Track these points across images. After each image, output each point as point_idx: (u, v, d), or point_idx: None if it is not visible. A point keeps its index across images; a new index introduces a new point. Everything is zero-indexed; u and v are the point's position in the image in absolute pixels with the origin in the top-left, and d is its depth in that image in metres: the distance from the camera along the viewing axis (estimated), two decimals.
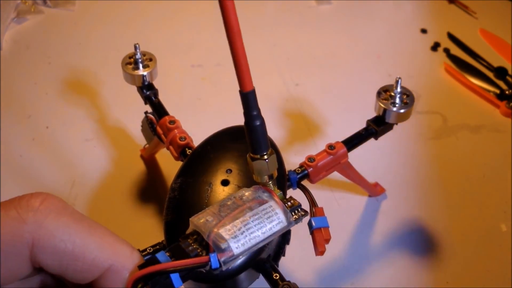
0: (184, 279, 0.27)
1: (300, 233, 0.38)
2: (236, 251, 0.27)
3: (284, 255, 0.38)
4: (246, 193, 0.30)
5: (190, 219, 0.28)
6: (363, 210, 0.51)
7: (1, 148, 0.56)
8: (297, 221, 0.31)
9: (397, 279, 0.46)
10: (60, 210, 0.25)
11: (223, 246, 0.27)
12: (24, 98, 0.62)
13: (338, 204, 0.51)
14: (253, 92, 0.29)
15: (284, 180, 0.38)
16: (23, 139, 0.57)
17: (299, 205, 0.32)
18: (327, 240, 0.36)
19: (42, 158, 0.55)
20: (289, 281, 0.34)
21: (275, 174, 0.32)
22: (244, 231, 0.28)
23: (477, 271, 0.47)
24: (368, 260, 0.47)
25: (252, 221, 0.28)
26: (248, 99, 0.29)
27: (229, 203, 0.29)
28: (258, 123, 0.29)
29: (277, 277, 0.34)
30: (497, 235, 0.49)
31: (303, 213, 0.31)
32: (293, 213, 0.31)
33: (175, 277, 0.26)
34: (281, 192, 0.31)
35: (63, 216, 0.25)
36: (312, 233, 0.36)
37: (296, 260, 0.46)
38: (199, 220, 0.28)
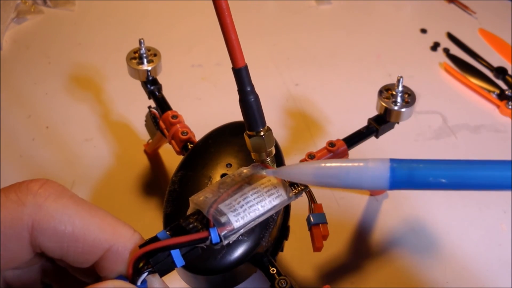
0: (185, 258, 0.26)
1: (300, 231, 0.38)
2: (236, 224, 0.27)
3: (282, 251, 0.38)
4: (245, 170, 0.30)
5: (190, 198, 0.28)
6: (364, 209, 0.51)
7: (1, 148, 0.56)
8: (297, 195, 0.31)
9: (397, 278, 0.46)
10: (60, 193, 0.25)
11: (223, 220, 0.27)
12: (24, 98, 0.62)
13: (338, 204, 0.51)
14: (245, 68, 0.29)
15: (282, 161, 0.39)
16: (23, 139, 0.57)
17: None
18: (325, 236, 0.36)
19: (42, 158, 0.55)
20: (285, 276, 0.34)
21: (273, 151, 0.32)
22: (243, 205, 0.28)
23: (477, 271, 0.47)
24: (368, 259, 0.47)
25: (251, 195, 0.28)
26: (241, 75, 0.29)
27: (228, 180, 0.29)
28: (252, 98, 0.30)
29: (274, 272, 0.34)
30: (497, 235, 0.49)
31: (303, 187, 0.31)
32: (292, 187, 0.31)
33: (176, 255, 0.26)
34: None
35: (63, 199, 0.25)
36: (310, 229, 0.36)
37: (296, 259, 0.46)
38: (199, 198, 0.28)
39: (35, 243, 0.25)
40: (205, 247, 0.27)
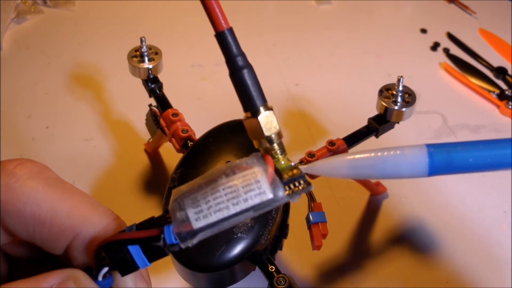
0: (150, 258, 0.23)
1: (299, 230, 0.38)
2: (195, 224, 0.22)
3: (281, 249, 0.38)
4: (238, 161, 0.24)
5: (172, 190, 0.24)
6: (364, 209, 0.51)
7: (1, 148, 0.56)
8: (291, 196, 0.23)
9: (397, 278, 0.46)
10: (33, 174, 0.24)
11: (179, 216, 0.22)
12: (24, 98, 0.62)
13: (338, 204, 0.51)
14: (229, 31, 0.24)
15: None
16: (23, 139, 0.57)
17: (301, 176, 0.24)
18: (324, 235, 0.36)
19: (42, 158, 0.55)
20: (284, 274, 0.34)
21: (280, 136, 0.25)
22: (209, 201, 0.22)
23: (477, 271, 0.46)
24: (368, 259, 0.47)
25: (223, 190, 0.23)
26: (225, 40, 0.24)
27: (214, 170, 0.24)
28: (245, 69, 0.25)
29: (273, 270, 0.34)
30: (497, 235, 0.49)
31: (304, 186, 0.24)
32: (291, 185, 0.24)
33: (136, 253, 0.23)
34: (291, 163, 0.25)
35: (34, 180, 0.24)
36: (309, 227, 0.36)
37: (295, 258, 0.46)
38: (179, 189, 0.24)
39: (3, 224, 0.24)
40: (162, 247, 0.23)
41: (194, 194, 0.23)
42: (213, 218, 0.22)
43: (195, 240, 0.22)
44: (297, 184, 0.24)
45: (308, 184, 0.24)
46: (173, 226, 0.22)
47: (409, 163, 0.23)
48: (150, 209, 0.51)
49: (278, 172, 0.24)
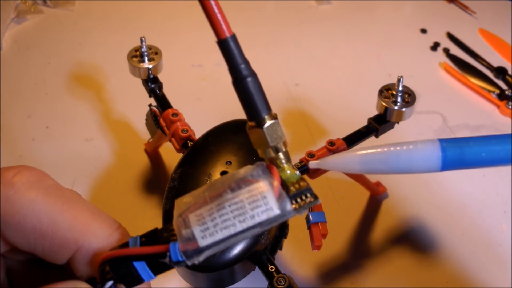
0: (155, 271, 0.23)
1: (299, 230, 0.38)
2: (202, 242, 0.22)
3: (281, 249, 0.38)
4: (242, 171, 0.23)
5: (175, 200, 0.24)
6: (364, 209, 0.51)
7: (1, 148, 0.56)
8: (299, 210, 0.23)
9: (397, 278, 0.46)
10: (32, 184, 0.24)
11: (185, 234, 0.22)
12: (24, 98, 0.62)
13: (338, 204, 0.51)
14: (233, 38, 0.23)
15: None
16: (23, 139, 0.57)
17: (308, 189, 0.23)
18: (324, 235, 0.36)
19: (42, 158, 0.55)
20: (284, 274, 0.34)
21: (286, 145, 0.25)
22: (215, 218, 0.22)
23: (477, 271, 0.46)
24: (368, 259, 0.47)
25: (229, 206, 0.22)
26: (228, 48, 0.23)
27: (218, 182, 0.23)
28: (249, 78, 0.24)
29: (273, 270, 0.34)
30: (497, 235, 0.49)
31: (312, 200, 0.23)
32: (297, 199, 0.23)
33: (141, 268, 0.23)
34: (297, 173, 0.24)
35: (32, 191, 0.23)
36: (309, 227, 0.36)
37: (296, 258, 0.46)
38: (181, 201, 0.23)
39: (3, 235, 0.24)
40: (167, 263, 0.22)
41: (199, 210, 0.22)
42: (220, 235, 0.22)
43: (201, 257, 0.22)
44: (304, 197, 0.23)
45: (316, 197, 0.23)
46: (179, 243, 0.22)
47: (422, 157, 0.23)
48: (150, 209, 0.51)
49: (284, 184, 0.23)
